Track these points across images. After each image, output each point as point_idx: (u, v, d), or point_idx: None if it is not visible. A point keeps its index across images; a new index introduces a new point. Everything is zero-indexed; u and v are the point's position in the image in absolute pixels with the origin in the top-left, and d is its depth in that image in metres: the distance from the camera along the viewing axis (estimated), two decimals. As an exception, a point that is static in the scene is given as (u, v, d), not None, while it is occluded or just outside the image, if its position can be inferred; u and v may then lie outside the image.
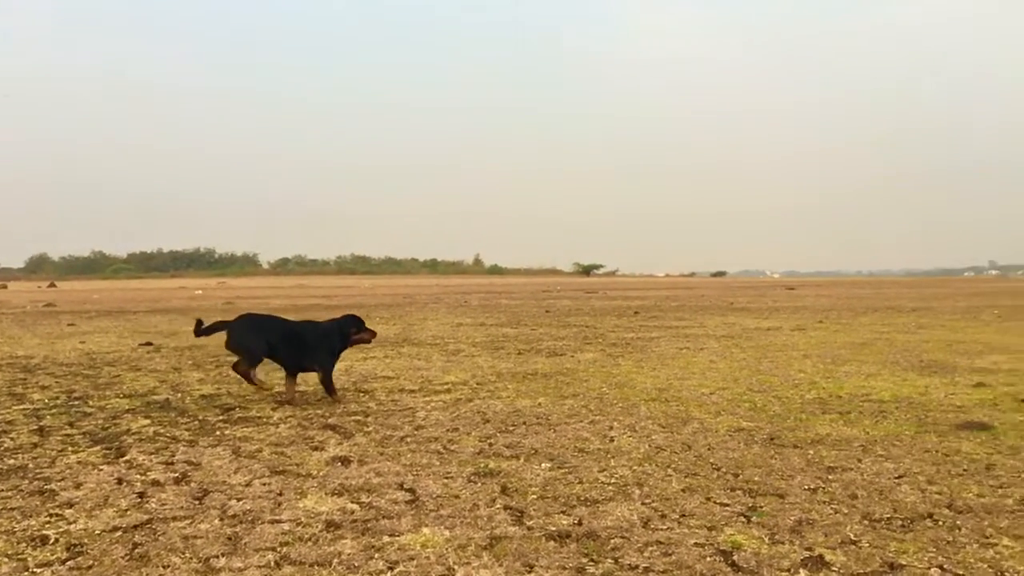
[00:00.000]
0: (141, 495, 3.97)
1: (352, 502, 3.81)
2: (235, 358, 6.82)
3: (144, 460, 4.70)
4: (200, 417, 6.05)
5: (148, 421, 5.91)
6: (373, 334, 7.14)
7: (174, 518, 3.61)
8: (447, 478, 4.22)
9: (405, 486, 4.08)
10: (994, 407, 6.21)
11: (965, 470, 4.32)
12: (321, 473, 4.35)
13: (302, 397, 6.84)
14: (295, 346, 6.68)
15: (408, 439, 5.18)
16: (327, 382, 6.69)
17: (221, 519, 3.59)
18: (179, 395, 7.12)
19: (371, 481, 4.17)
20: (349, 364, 9.13)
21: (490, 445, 4.98)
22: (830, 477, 4.20)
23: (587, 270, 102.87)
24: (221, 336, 6.66)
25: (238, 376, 6.84)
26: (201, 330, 6.66)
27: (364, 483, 4.13)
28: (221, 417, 6.05)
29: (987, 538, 3.25)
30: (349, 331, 6.87)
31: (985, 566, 2.96)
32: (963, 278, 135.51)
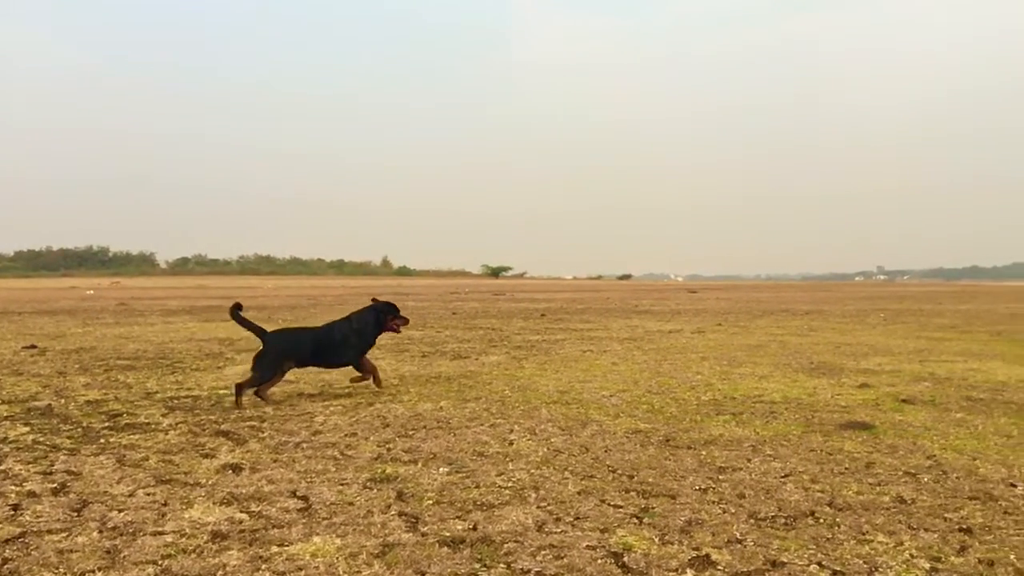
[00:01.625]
0: (15, 507, 3.76)
1: (241, 511, 3.69)
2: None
3: (20, 470, 4.45)
4: (84, 424, 5.78)
5: (27, 428, 5.61)
6: (406, 321, 7.50)
7: (49, 531, 3.43)
8: (342, 484, 4.14)
9: (298, 493, 3.98)
10: (876, 407, 6.50)
11: (846, 469, 4.50)
12: (210, 481, 4.20)
13: (195, 403, 6.62)
14: (329, 349, 7.02)
15: (304, 445, 5.07)
16: (365, 366, 7.11)
17: (100, 532, 3.43)
18: (62, 401, 6.78)
19: (262, 489, 4.05)
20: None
21: (388, 450, 4.92)
22: (720, 477, 4.31)
23: (496, 272, 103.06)
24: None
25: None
26: (240, 316, 6.85)
27: (255, 491, 4.01)
28: (107, 424, 5.79)
29: (863, 534, 3.39)
30: (386, 319, 7.24)
31: (860, 562, 3.09)
32: (854, 282, 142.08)
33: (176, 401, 6.74)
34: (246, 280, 77.87)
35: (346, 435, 5.35)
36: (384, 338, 12.63)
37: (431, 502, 3.82)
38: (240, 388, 6.53)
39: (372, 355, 7.45)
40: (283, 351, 6.79)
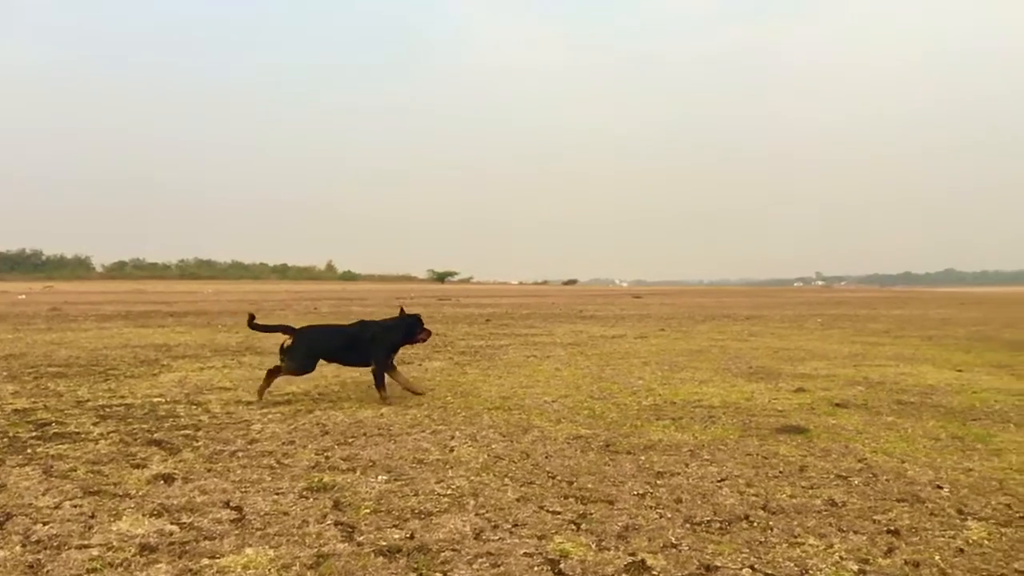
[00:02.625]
0: (-70, 523, 3.61)
1: (172, 523, 3.60)
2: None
3: (-62, 483, 4.28)
4: (10, 434, 5.58)
5: (-53, 440, 5.39)
6: (429, 333, 7.58)
7: (-33, 547, 3.30)
8: (277, 494, 4.07)
9: (231, 504, 3.90)
10: (811, 411, 6.64)
11: (781, 472, 4.58)
12: (140, 492, 4.09)
13: (128, 411, 6.45)
14: (355, 348, 7.14)
15: (240, 454, 4.97)
16: (379, 375, 7.06)
17: (23, 545, 3.31)
18: (-13, 410, 6.54)
19: (195, 500, 3.96)
20: (184, 375, 8.69)
21: (327, 458, 4.86)
22: (658, 482, 4.35)
23: (441, 277, 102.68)
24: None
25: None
26: (258, 325, 7.09)
27: (187, 502, 3.92)
28: (34, 433, 5.60)
29: (795, 538, 3.45)
30: (416, 330, 7.38)
31: (792, 564, 3.14)
32: (793, 288, 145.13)
33: (108, 410, 6.56)
34: (186, 285, 76.33)
35: (283, 443, 5.27)
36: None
37: (368, 511, 3.78)
38: (271, 376, 6.99)
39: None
40: (313, 345, 7.05)
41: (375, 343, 7.15)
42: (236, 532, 3.49)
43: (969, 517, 3.77)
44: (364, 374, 8.77)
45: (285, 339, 7.03)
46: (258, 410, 6.52)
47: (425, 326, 7.47)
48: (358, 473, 4.49)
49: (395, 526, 3.56)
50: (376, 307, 28.72)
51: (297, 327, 7.23)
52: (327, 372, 8.88)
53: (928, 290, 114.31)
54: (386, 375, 7.12)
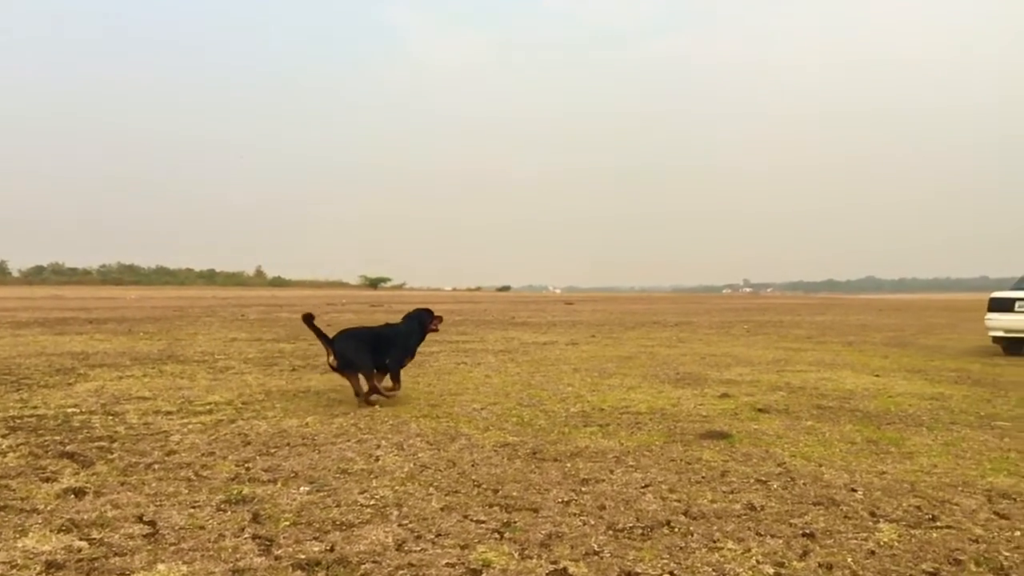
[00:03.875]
0: None
1: (81, 539, 3.46)
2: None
3: None
4: (-92, 448, 5.30)
5: None
6: (440, 319, 8.00)
7: None
8: (194, 507, 3.95)
9: (145, 518, 3.77)
10: (734, 417, 6.77)
11: (703, 477, 4.65)
12: (49, 507, 3.93)
13: (40, 423, 6.20)
14: (380, 348, 7.33)
15: (156, 466, 4.81)
16: (396, 375, 7.41)
17: (-83, 567, 3.14)
18: None
19: (106, 514, 3.82)
20: (101, 384, 8.40)
21: (247, 469, 4.74)
22: (583, 489, 4.37)
23: (375, 283, 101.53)
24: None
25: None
26: (312, 324, 7.26)
27: (98, 517, 3.77)
28: (-65, 447, 5.33)
29: (715, 542, 3.50)
30: (427, 324, 7.76)
31: (710, 569, 3.19)
32: (721, 295, 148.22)
33: (18, 421, 6.28)
34: (108, 290, 73.94)
35: (203, 454, 5.12)
36: (253, 351, 12.29)
37: (288, 523, 3.70)
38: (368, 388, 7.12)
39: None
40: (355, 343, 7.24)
41: (395, 345, 7.47)
42: (148, 548, 3.37)
43: (881, 519, 3.88)
44: (289, 382, 8.63)
45: (330, 355, 7.15)
46: (178, 420, 6.33)
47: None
48: (279, 484, 4.39)
49: (315, 538, 3.49)
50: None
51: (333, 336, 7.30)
52: (251, 381, 8.71)
53: (849, 297, 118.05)
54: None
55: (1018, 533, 3.71)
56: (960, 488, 4.50)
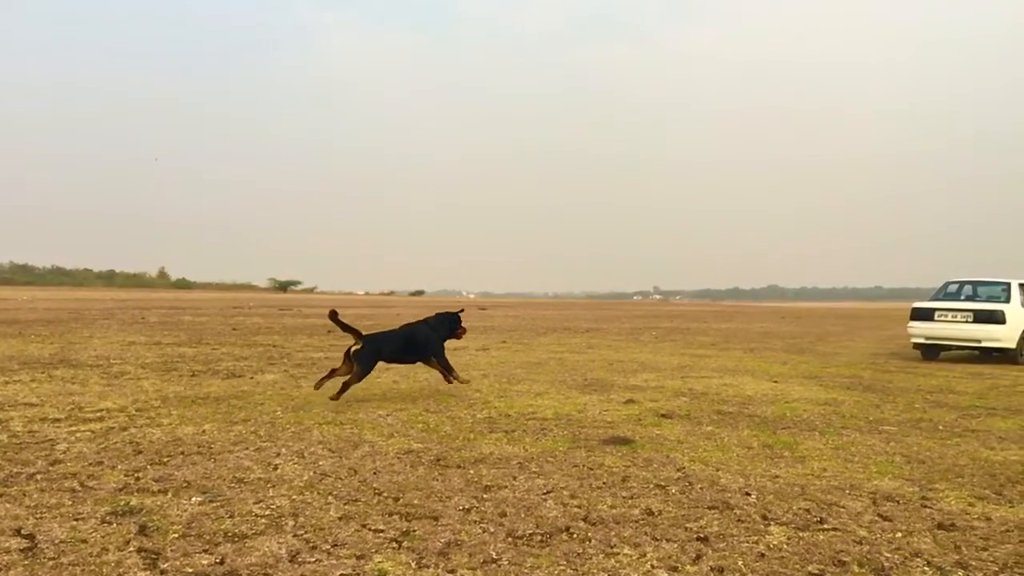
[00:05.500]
0: None
1: (-51, 556, 3.26)
2: None
3: None
4: None
5: None
6: (465, 330, 8.62)
7: None
8: (77, 519, 3.77)
9: (23, 532, 3.58)
10: (638, 422, 6.88)
11: (604, 483, 4.70)
12: (-86, 523, 3.68)
13: (-90, 430, 5.82)
14: (411, 347, 8.05)
15: (39, 476, 4.57)
16: (446, 364, 8.09)
17: None
18: None
19: (-21, 529, 3.60)
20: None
21: (137, 479, 4.55)
22: (485, 496, 4.36)
23: (284, 286, 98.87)
24: None
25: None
26: (339, 321, 7.71)
27: (-31, 532, 3.56)
28: None
29: (612, 548, 3.54)
30: (457, 325, 8.37)
31: (606, 575, 3.22)
32: (632, 301, 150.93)
33: None
34: (-2, 290, 70.24)
35: (90, 464, 4.90)
36: (151, 356, 11.85)
37: (176, 535, 3.57)
38: (346, 386, 7.47)
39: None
40: (376, 350, 7.76)
41: (431, 340, 8.09)
42: (25, 563, 3.20)
43: (772, 522, 4.00)
44: (188, 388, 8.35)
45: (354, 344, 7.55)
46: (66, 428, 6.04)
47: (420, 322, 8.41)
48: (170, 495, 4.23)
49: (205, 551, 3.38)
50: (209, 316, 27.45)
51: (366, 333, 7.79)
52: (147, 387, 8.39)
53: (753, 304, 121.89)
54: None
55: (899, 535, 3.87)
56: (847, 491, 4.68)
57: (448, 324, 8.36)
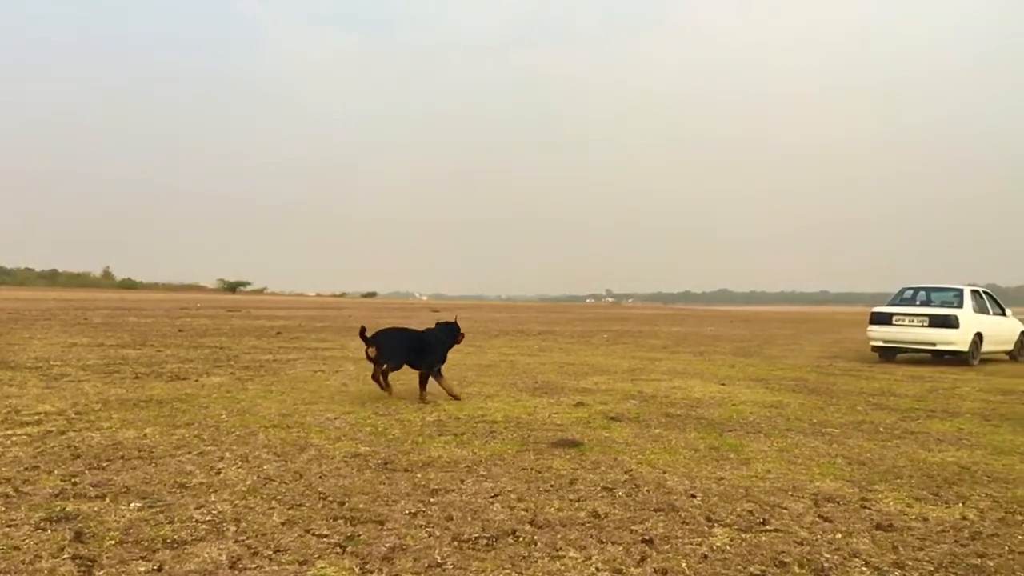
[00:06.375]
0: None
1: None
2: None
3: None
4: None
5: None
6: (463, 336, 8.73)
7: None
8: (10, 526, 3.66)
9: (-49, 540, 3.46)
10: (587, 425, 6.91)
11: (552, 486, 4.71)
12: None
13: None
14: (418, 350, 8.25)
15: (-30, 482, 4.42)
16: (428, 377, 8.19)
17: None
18: None
19: (-96, 538, 3.47)
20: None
21: (74, 484, 4.43)
22: (432, 500, 4.33)
23: (233, 287, 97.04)
24: None
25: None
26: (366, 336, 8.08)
27: None
28: None
29: (557, 551, 3.55)
30: (457, 335, 8.54)
31: (550, 578, 3.22)
32: (585, 304, 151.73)
33: None
34: (-66, 289, 67.95)
35: (26, 468, 4.75)
36: (93, 357, 11.56)
37: (113, 542, 3.48)
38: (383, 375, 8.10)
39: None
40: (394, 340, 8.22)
41: (434, 349, 8.29)
42: (-49, 573, 3.09)
43: (716, 524, 4.05)
44: (130, 391, 8.16)
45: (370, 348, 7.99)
46: (0, 432, 5.85)
47: (421, 328, 8.72)
48: (108, 500, 4.13)
49: (142, 558, 3.30)
50: (155, 317, 26.91)
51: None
52: (88, 390, 8.18)
53: (704, 308, 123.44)
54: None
55: (839, 535, 3.95)
56: (790, 492, 4.76)
57: (451, 338, 8.55)
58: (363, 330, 8.26)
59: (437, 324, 8.67)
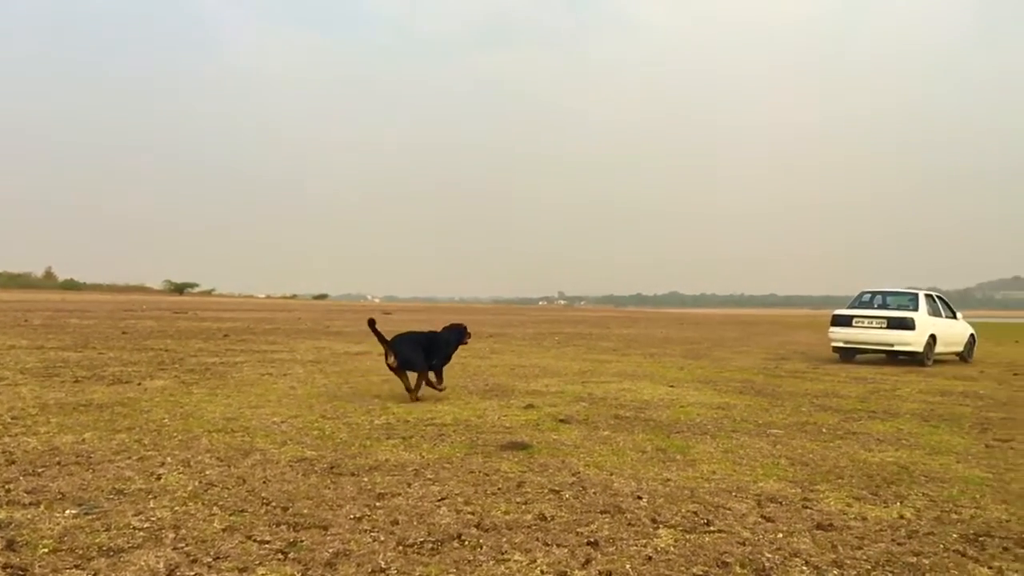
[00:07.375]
0: None
1: None
2: None
3: None
4: None
5: None
6: (470, 335, 9.17)
7: None
8: (-63, 536, 3.53)
9: None
10: (536, 428, 6.92)
11: (499, 489, 4.70)
12: None
13: None
14: (430, 350, 8.55)
15: None
16: (436, 375, 8.64)
17: None
18: None
19: None
20: None
21: (8, 491, 4.30)
22: (378, 504, 4.29)
23: (180, 288, 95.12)
24: None
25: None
26: (376, 329, 8.51)
27: None
28: None
29: (503, 554, 3.54)
30: (463, 336, 8.95)
31: (495, 582, 3.21)
32: (537, 306, 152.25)
33: None
34: None
35: (-44, 476, 4.60)
36: (32, 360, 11.25)
37: (47, 550, 3.38)
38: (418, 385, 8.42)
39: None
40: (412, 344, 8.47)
41: (441, 349, 8.65)
42: None
43: (661, 525, 4.08)
44: (69, 395, 7.95)
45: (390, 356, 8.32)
46: (-70, 438, 5.65)
47: (434, 330, 9.02)
48: (42, 507, 4.01)
49: (76, 566, 3.21)
50: (98, 319, 26.27)
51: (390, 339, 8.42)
52: (26, 393, 7.95)
53: (655, 311, 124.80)
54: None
55: (781, 535, 4.01)
56: (734, 493, 4.82)
57: (456, 340, 8.91)
58: (372, 321, 8.69)
59: (444, 328, 9.01)
